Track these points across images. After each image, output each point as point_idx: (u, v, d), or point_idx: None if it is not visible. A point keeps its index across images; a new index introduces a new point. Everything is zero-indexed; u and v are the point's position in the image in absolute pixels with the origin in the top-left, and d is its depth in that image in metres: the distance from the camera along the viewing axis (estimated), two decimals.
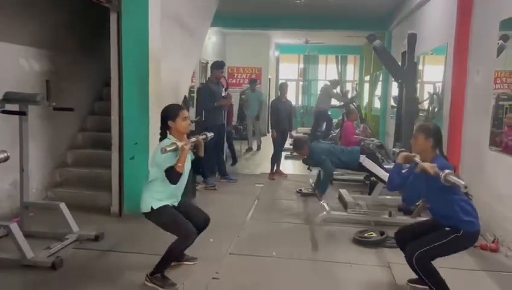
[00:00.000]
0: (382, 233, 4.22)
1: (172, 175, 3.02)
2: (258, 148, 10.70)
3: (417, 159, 2.96)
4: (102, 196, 5.02)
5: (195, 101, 9.37)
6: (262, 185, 6.73)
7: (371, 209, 5.22)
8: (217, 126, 6.56)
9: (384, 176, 4.56)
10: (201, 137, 3.43)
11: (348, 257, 3.87)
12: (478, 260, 3.86)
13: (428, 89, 7.51)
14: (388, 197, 5.69)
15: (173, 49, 5.61)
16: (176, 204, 3.28)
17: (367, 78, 15.00)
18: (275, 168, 7.41)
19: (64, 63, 5.63)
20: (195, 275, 3.47)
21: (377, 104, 12.53)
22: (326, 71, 17.66)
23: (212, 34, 11.85)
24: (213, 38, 11.98)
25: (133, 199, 4.76)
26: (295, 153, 5.02)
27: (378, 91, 12.87)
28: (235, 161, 8.43)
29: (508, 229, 4.04)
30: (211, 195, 6.03)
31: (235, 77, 14.31)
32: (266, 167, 8.21)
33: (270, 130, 14.95)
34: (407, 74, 6.33)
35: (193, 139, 3.31)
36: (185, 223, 3.13)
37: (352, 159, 4.65)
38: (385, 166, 4.74)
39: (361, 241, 4.15)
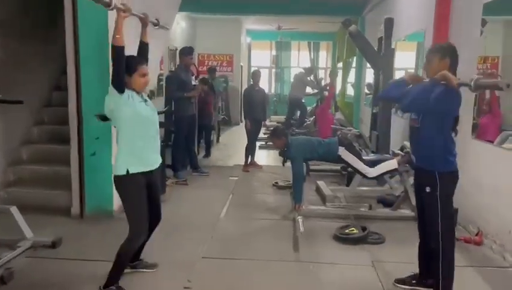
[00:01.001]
0: (364, 228, 4.00)
1: (113, 54, 2.68)
2: (217, 140, 10.24)
3: (426, 80, 2.72)
4: (62, 195, 4.58)
5: (164, 90, 8.92)
6: (236, 178, 6.42)
7: (350, 203, 5.03)
8: (186, 117, 6.20)
9: (363, 169, 4.33)
10: (153, 20, 3.17)
11: (330, 257, 3.63)
12: (463, 255, 3.68)
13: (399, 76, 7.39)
14: (367, 188, 5.52)
15: (137, 32, 5.16)
16: (151, 169, 2.86)
17: (340, 65, 14.84)
18: (249, 159, 7.12)
19: (15, 49, 5.09)
20: (163, 285, 3.16)
21: (350, 91, 12.40)
22: (299, 58, 17.39)
23: (181, 19, 11.34)
24: (182, 23, 11.47)
25: (95, 199, 4.39)
26: (270, 143, 4.67)
27: (351, 78, 12.75)
28: (208, 153, 8.09)
29: (491, 221, 3.90)
30: (182, 190, 5.68)
31: (206, 64, 13.84)
32: (240, 158, 7.90)
33: (243, 119, 14.73)
34: (384, 60, 6.12)
35: (137, 13, 2.95)
36: (143, 216, 2.82)
37: (330, 152, 4.39)
38: (364, 157, 4.51)
39: (342, 238, 3.92)
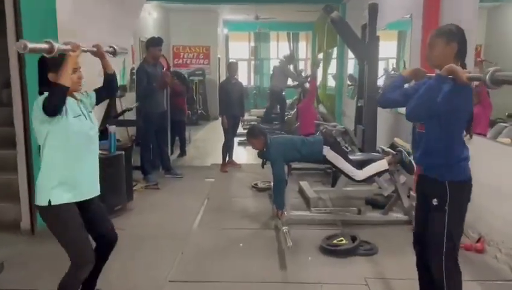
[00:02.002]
0: (353, 238, 3.57)
1: (54, 91, 2.11)
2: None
3: (430, 74, 2.28)
4: (9, 208, 4.00)
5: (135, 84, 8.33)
6: (213, 180, 5.92)
7: (336, 207, 4.60)
8: (155, 114, 5.65)
9: (351, 171, 3.89)
10: (108, 49, 2.59)
11: (317, 274, 3.18)
12: (463, 266, 3.23)
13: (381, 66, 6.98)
14: (354, 188, 5.09)
15: (96, 20, 4.61)
16: (84, 199, 2.33)
17: (320, 55, 14.42)
18: (227, 158, 6.62)
19: None
20: None
21: (331, 83, 12.00)
22: (278, 49, 16.89)
23: (153, 9, 10.71)
24: (154, 14, 10.84)
25: None
26: (249, 145, 4.17)
27: (332, 69, 12.34)
28: (183, 152, 7.56)
29: (494, 226, 3.52)
30: (152, 196, 5.16)
31: (182, 57, 13.24)
32: (217, 157, 7.40)
33: (219, 112, 14.22)
34: (369, 49, 5.70)
35: (87, 47, 2.38)
36: (84, 245, 2.30)
37: (315, 152, 3.93)
38: (351, 157, 4.07)
39: (330, 251, 3.47)
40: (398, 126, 5.95)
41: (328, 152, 3.92)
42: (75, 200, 2.28)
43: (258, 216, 4.43)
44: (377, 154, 4.27)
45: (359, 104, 5.99)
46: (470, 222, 3.78)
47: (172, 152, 7.38)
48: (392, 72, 6.71)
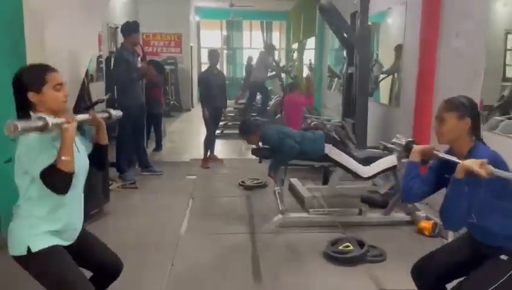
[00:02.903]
0: (360, 243, 3.28)
1: (55, 178, 1.71)
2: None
3: (441, 154, 1.99)
4: None
5: (104, 74, 7.74)
6: (195, 177, 5.51)
7: (332, 206, 4.33)
8: (135, 106, 5.19)
9: (357, 168, 3.60)
10: (103, 115, 2.14)
11: (326, 286, 2.87)
12: None
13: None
14: (347, 186, 4.84)
15: (65, 3, 4.06)
16: (71, 242, 1.94)
17: (295, 46, 14.13)
18: (209, 153, 6.22)
19: None
20: None
21: (306, 73, 11.73)
22: (252, 39, 16.48)
23: None
24: None
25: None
26: (245, 141, 3.80)
27: (308, 60, 12.08)
28: (159, 146, 7.09)
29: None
30: (131, 197, 4.70)
31: (152, 44, 12.60)
32: (196, 151, 6.99)
33: (194, 105, 13.73)
34: (361, 38, 5.40)
35: (82, 115, 2.00)
36: (81, 285, 1.88)
37: (316, 150, 3.60)
38: (355, 154, 3.78)
39: (336, 258, 3.17)
40: (388, 119, 5.74)
41: (330, 150, 3.61)
42: (60, 244, 1.87)
43: (249, 218, 4.08)
44: (376, 150, 4.00)
45: (349, 71, 5.67)
46: None
47: (147, 146, 6.90)
48: (376, 64, 6.51)
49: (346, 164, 3.61)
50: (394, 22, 5.96)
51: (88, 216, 3.77)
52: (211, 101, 5.96)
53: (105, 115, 2.18)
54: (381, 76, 6.21)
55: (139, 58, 5.61)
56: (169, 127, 9.26)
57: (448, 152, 2.01)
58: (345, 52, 9.37)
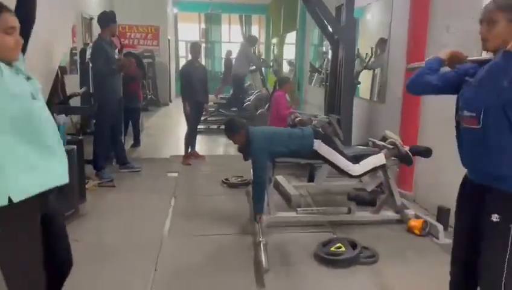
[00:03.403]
0: (353, 244, 3.17)
1: None
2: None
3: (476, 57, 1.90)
4: None
5: (78, 66, 7.41)
6: (176, 175, 5.30)
7: (318, 204, 4.27)
8: (113, 101, 4.95)
9: (347, 166, 3.48)
10: None
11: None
12: None
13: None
14: (333, 183, 4.74)
15: None
16: (49, 187, 1.70)
17: (275, 40, 13.99)
18: (190, 149, 6.01)
19: None
20: None
21: (286, 68, 11.61)
22: (230, 33, 16.24)
23: None
24: None
25: None
26: (230, 140, 3.63)
27: (288, 54, 11.95)
28: (137, 142, 6.84)
29: None
30: (109, 196, 4.46)
31: (129, 37, 12.22)
32: (175, 147, 6.78)
33: (171, 99, 13.42)
34: (346, 31, 5.29)
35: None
36: (36, 279, 1.68)
37: (304, 147, 3.46)
38: (344, 151, 3.65)
39: (329, 261, 3.05)
40: (373, 115, 5.66)
41: (320, 146, 3.47)
42: (42, 189, 1.66)
43: (235, 218, 3.91)
44: (365, 147, 3.90)
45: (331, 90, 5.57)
46: None
47: (124, 142, 6.64)
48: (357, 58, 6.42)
49: (335, 162, 3.49)
50: (376, 17, 5.89)
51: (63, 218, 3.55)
52: (192, 95, 5.74)
53: None
54: (364, 71, 6.13)
55: (117, 50, 5.35)
56: (147, 122, 9.01)
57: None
58: (324, 48, 9.43)
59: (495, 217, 1.77)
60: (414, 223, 3.63)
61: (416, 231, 3.59)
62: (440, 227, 3.52)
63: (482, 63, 1.86)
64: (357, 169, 3.48)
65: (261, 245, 3.02)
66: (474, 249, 1.90)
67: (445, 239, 3.46)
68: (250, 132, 3.49)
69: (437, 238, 3.49)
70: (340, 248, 3.13)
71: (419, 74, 1.95)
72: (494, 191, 1.80)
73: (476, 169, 1.89)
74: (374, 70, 6.07)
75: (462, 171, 2.01)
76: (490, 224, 1.78)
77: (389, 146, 3.61)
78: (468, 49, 3.49)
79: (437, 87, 1.94)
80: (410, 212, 3.83)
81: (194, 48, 5.93)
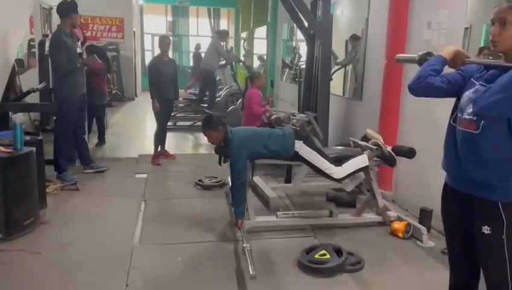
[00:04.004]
0: (338, 251, 3.02)
1: None
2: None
3: (481, 59, 1.87)
4: None
5: (37, 60, 6.91)
6: (145, 176, 4.99)
7: (297, 205, 4.13)
8: (76, 98, 4.60)
9: (329, 168, 3.32)
10: None
11: None
12: None
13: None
14: (311, 184, 4.59)
15: None
16: None
17: (244, 34, 13.76)
18: (159, 148, 5.71)
19: None
20: None
21: (256, 63, 11.41)
22: (198, 26, 15.85)
23: None
24: None
25: None
26: (208, 140, 3.39)
27: (258, 49, 11.75)
28: (102, 140, 6.47)
29: None
30: (72, 201, 4.11)
31: (91, 28, 11.65)
32: (143, 146, 6.46)
33: (137, 94, 12.92)
34: (323, 27, 5.15)
35: None
36: None
37: (285, 148, 3.27)
38: (326, 152, 3.49)
39: (314, 269, 2.88)
40: (349, 113, 5.55)
41: (301, 148, 3.29)
42: None
43: (212, 223, 3.69)
44: (345, 147, 3.75)
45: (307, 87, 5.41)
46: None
47: (88, 141, 6.26)
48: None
49: (317, 164, 3.32)
50: (349, 12, 5.78)
51: (21, 227, 3.23)
52: (161, 92, 5.44)
53: None
54: (336, 67, 6.02)
55: (79, 43, 4.97)
56: (112, 119, 8.60)
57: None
58: (294, 42, 9.28)
59: (486, 229, 1.72)
60: (397, 225, 3.53)
61: (400, 234, 3.48)
62: (424, 230, 3.43)
63: (489, 66, 1.75)
64: (339, 172, 3.33)
65: (246, 251, 2.82)
66: (472, 252, 1.84)
67: (429, 242, 3.39)
68: (230, 131, 3.26)
69: (421, 241, 3.40)
70: (324, 255, 2.97)
71: (422, 76, 1.81)
72: (478, 200, 1.73)
73: (461, 174, 1.79)
74: (345, 67, 5.98)
75: (443, 171, 1.91)
76: (482, 236, 1.73)
77: (373, 147, 3.47)
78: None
79: (441, 90, 1.81)
80: (392, 214, 3.73)
81: (163, 41, 5.61)
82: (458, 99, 1.81)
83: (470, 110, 1.70)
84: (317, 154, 3.36)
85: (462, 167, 1.76)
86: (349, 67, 6.24)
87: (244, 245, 2.91)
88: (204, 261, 3.04)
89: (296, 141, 3.31)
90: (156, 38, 15.18)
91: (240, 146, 3.21)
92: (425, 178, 3.84)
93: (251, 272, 2.59)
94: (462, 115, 1.75)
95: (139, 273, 2.81)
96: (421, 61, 1.95)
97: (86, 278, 2.73)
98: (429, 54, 1.95)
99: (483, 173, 1.70)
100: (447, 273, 1.97)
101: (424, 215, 3.61)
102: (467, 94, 1.74)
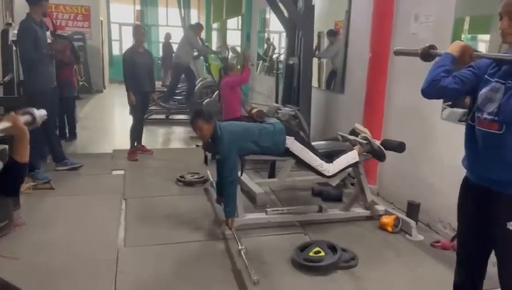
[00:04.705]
0: (333, 248, 2.97)
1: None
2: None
3: (493, 54, 1.85)
4: None
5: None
6: (123, 172, 4.79)
7: (283, 200, 4.07)
8: (47, 90, 4.33)
9: (320, 165, 3.25)
10: (24, 119, 1.54)
11: None
12: (446, 270, 2.88)
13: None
14: (296, 179, 4.53)
15: None
16: None
17: (215, 25, 13.51)
18: (136, 143, 5.49)
19: None
20: None
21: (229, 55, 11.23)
22: (168, 15, 15.44)
23: None
24: None
25: None
26: (192, 136, 3.24)
27: (230, 40, 11.56)
28: (73, 134, 6.18)
29: None
30: (47, 201, 3.88)
31: (55, 17, 11.09)
32: (116, 140, 6.23)
33: (105, 86, 12.44)
34: (304, 20, 5.07)
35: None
36: None
37: (276, 144, 3.18)
38: (316, 147, 3.42)
39: (309, 268, 2.82)
40: (330, 106, 5.52)
41: (292, 144, 3.21)
42: None
43: (198, 221, 3.56)
44: (338, 142, 3.70)
45: (291, 62, 5.30)
46: (439, 215, 3.51)
47: (65, 136, 5.99)
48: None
49: (308, 161, 3.25)
50: (327, 4, 5.72)
51: None
52: (137, 84, 5.21)
53: (27, 118, 1.54)
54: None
55: (49, 32, 4.68)
56: (81, 112, 8.20)
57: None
58: (267, 34, 9.17)
59: (510, 225, 1.68)
60: (386, 220, 3.52)
61: (389, 229, 3.48)
62: (413, 223, 3.44)
63: (500, 61, 1.71)
64: (330, 168, 3.27)
65: (243, 254, 2.72)
66: (484, 251, 1.85)
67: (418, 236, 3.40)
68: (219, 126, 3.14)
69: (410, 235, 3.41)
70: (319, 252, 2.92)
71: (434, 78, 1.75)
72: (504, 196, 1.70)
73: (483, 174, 1.76)
74: (320, 60, 5.96)
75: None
76: (506, 232, 1.69)
77: (363, 141, 3.44)
78: (441, 40, 3.44)
79: (456, 91, 1.77)
80: (380, 208, 3.73)
81: (138, 31, 5.39)
82: (474, 98, 1.76)
83: (490, 109, 1.66)
84: (309, 150, 3.29)
85: (484, 167, 1.74)
86: (324, 61, 6.23)
87: (240, 248, 2.81)
88: (195, 262, 2.93)
89: (287, 137, 3.23)
90: (124, 28, 14.83)
91: (229, 143, 3.09)
92: (410, 171, 3.85)
93: (253, 278, 2.49)
94: (482, 114, 1.70)
95: (128, 278, 2.66)
96: (423, 55, 1.89)
97: (70, 286, 2.56)
98: (432, 46, 1.89)
99: (507, 173, 1.67)
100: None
101: (412, 209, 3.63)
102: (484, 92, 1.70)
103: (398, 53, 2.32)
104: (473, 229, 1.86)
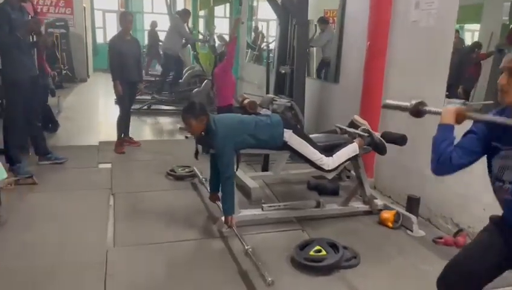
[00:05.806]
0: (334, 247, 2.84)
1: None
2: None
3: (490, 116, 1.69)
4: None
5: None
6: (110, 166, 4.58)
7: (274, 191, 3.94)
8: (26, 78, 4.08)
9: (319, 159, 3.11)
10: None
11: None
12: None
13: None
14: (291, 172, 4.39)
15: None
16: None
17: (202, 13, 13.20)
18: (123, 135, 5.28)
19: None
20: None
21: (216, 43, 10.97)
22: (153, 2, 15.04)
23: None
24: None
25: None
26: (181, 127, 3.07)
27: (218, 28, 11.29)
28: (55, 125, 5.91)
29: (474, 214, 3.13)
30: (30, 197, 3.67)
31: (36, 3, 10.62)
32: (101, 131, 6.00)
33: (89, 75, 12.06)
34: (299, 7, 4.89)
35: None
36: None
37: (274, 137, 3.02)
38: (314, 140, 3.27)
39: (310, 267, 2.68)
40: (324, 96, 5.37)
41: (290, 137, 3.06)
42: None
43: (191, 218, 3.40)
44: (336, 134, 3.56)
45: (282, 71, 5.17)
46: (441, 209, 3.41)
47: (47, 127, 5.71)
48: None
49: (307, 155, 3.10)
50: None
51: None
52: (123, 74, 4.99)
53: None
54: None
55: (30, 17, 4.40)
56: (64, 102, 7.91)
57: (501, 113, 1.66)
58: (254, 22, 8.94)
59: None
60: (386, 215, 3.41)
61: (389, 224, 3.38)
62: (414, 218, 3.34)
63: (496, 125, 1.64)
64: (330, 162, 3.13)
65: (250, 254, 2.58)
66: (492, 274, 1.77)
67: (419, 231, 3.30)
68: (213, 120, 2.96)
69: (411, 230, 3.31)
70: (320, 251, 2.78)
71: (442, 155, 1.70)
72: None
73: None
74: (309, 49, 5.80)
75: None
76: None
77: (363, 134, 3.30)
78: (444, 32, 3.31)
79: (464, 166, 1.72)
80: (379, 202, 3.62)
81: (125, 18, 5.14)
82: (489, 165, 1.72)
83: (510, 177, 1.61)
84: (308, 144, 3.13)
85: None
86: (315, 50, 6.08)
87: (246, 247, 2.66)
88: (193, 262, 2.76)
89: (285, 130, 3.07)
90: (108, 15, 14.41)
91: (225, 137, 2.92)
92: (407, 164, 3.75)
93: (268, 279, 2.34)
94: (504, 184, 1.65)
95: (118, 282, 2.49)
96: (413, 112, 1.91)
97: None
98: (421, 103, 1.91)
99: None
100: (443, 263, 1.83)
101: (412, 203, 3.53)
102: (498, 162, 1.67)
103: (386, 106, 2.26)
104: (493, 263, 1.75)
